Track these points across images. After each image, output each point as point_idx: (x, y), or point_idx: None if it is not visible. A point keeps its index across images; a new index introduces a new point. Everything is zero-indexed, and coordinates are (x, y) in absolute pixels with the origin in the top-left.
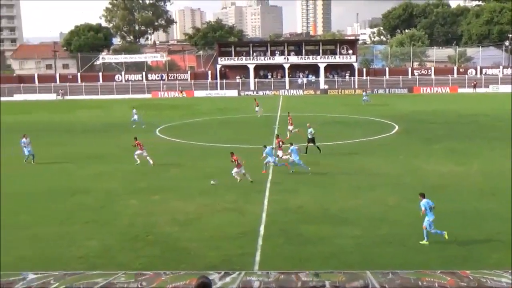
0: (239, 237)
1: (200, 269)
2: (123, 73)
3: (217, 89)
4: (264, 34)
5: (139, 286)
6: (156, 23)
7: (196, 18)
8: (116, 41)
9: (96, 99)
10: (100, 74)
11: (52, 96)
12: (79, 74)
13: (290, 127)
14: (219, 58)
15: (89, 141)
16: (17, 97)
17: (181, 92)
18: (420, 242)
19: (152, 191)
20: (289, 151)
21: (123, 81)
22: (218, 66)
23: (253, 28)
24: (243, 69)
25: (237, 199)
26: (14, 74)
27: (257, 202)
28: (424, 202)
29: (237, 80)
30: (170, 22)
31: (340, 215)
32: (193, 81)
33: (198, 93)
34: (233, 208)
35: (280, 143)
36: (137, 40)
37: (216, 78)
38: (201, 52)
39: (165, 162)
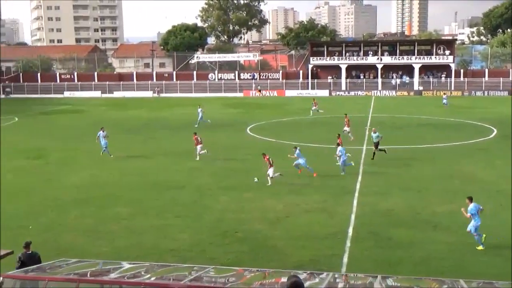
0: (327, 238)
1: (288, 268)
2: (216, 72)
3: (308, 89)
4: (357, 34)
5: (226, 281)
6: (249, 23)
7: (289, 17)
8: (211, 40)
9: (190, 97)
10: (195, 72)
11: (148, 94)
12: (174, 72)
13: (346, 128)
14: (311, 58)
15: (182, 138)
16: (117, 94)
17: (259, 91)
18: (477, 248)
19: (242, 188)
20: (338, 152)
21: (216, 79)
22: (310, 66)
23: (346, 28)
24: (335, 69)
25: (326, 199)
26: (115, 72)
27: (346, 203)
28: (472, 206)
29: (329, 80)
30: (263, 22)
31: (432, 220)
32: (284, 80)
33: (289, 93)
34: (322, 208)
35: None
36: (231, 39)
37: (308, 78)
38: (293, 52)
39: (255, 160)
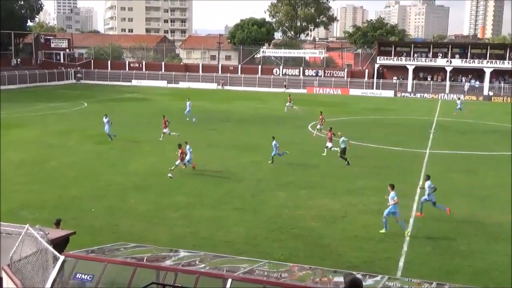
0: (383, 241)
1: (341, 268)
2: (281, 67)
3: (373, 88)
4: (426, 34)
5: (279, 276)
6: (317, 20)
7: (357, 16)
8: (278, 35)
9: (254, 91)
10: (260, 67)
11: (213, 86)
12: (239, 66)
13: (318, 126)
14: (377, 57)
15: (244, 131)
16: (182, 84)
17: (285, 86)
18: (380, 231)
19: (299, 185)
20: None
21: (281, 75)
22: (376, 65)
23: (415, 28)
24: (402, 69)
25: (383, 201)
26: (181, 63)
27: (405, 206)
28: (392, 194)
29: (394, 81)
30: (331, 19)
31: (494, 230)
32: (349, 79)
33: (353, 92)
34: (379, 210)
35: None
36: (298, 35)
37: (373, 77)
38: (359, 51)
39: (314, 158)
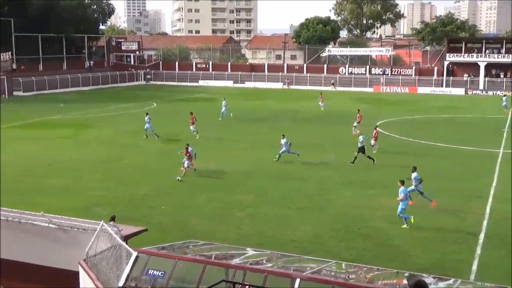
0: (455, 243)
1: (411, 269)
2: (347, 66)
3: (442, 86)
4: (499, 30)
5: (347, 277)
6: (384, 17)
7: (425, 12)
8: (343, 34)
9: (320, 90)
10: (325, 66)
11: (278, 85)
12: (305, 65)
13: (355, 124)
14: (447, 54)
15: (309, 130)
16: (248, 84)
17: (333, 85)
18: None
19: (366, 184)
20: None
21: (346, 73)
22: (446, 63)
23: (487, 24)
24: (473, 66)
25: (455, 202)
26: (247, 63)
27: (478, 208)
28: (402, 189)
29: (465, 78)
30: (398, 16)
31: None
32: (417, 77)
33: (422, 90)
34: (450, 212)
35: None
36: (364, 33)
37: (442, 75)
38: (428, 48)
39: (382, 157)
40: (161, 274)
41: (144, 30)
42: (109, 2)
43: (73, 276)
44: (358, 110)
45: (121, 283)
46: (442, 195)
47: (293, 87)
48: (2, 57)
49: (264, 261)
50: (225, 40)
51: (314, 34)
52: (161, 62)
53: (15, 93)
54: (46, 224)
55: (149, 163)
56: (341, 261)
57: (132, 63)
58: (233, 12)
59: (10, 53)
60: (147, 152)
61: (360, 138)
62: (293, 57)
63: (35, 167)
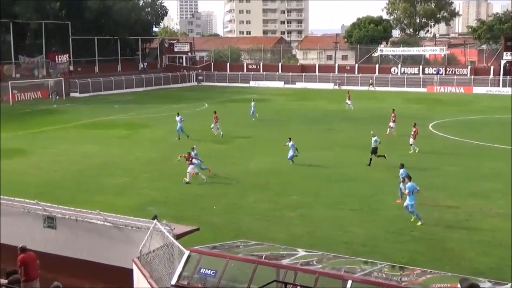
0: None
1: (465, 273)
2: (399, 65)
3: (498, 86)
4: None
5: (400, 280)
6: (438, 16)
7: (481, 10)
8: (396, 33)
9: (371, 91)
10: (377, 66)
11: (329, 86)
12: (356, 65)
13: (391, 124)
14: (504, 53)
15: (361, 130)
16: (299, 85)
17: (371, 84)
18: (417, 224)
19: (420, 186)
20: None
21: (399, 73)
22: (503, 62)
23: None
24: None
25: None
26: (298, 64)
27: None
28: (409, 184)
29: None
30: (453, 14)
31: None
32: (472, 76)
33: (477, 90)
34: (507, 214)
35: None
36: (417, 32)
37: (499, 75)
38: (484, 46)
39: (435, 158)
40: (213, 273)
41: (196, 31)
42: (162, 4)
43: (127, 273)
44: (393, 109)
45: (173, 281)
46: (497, 197)
47: (344, 87)
48: (60, 59)
49: (315, 262)
50: (276, 40)
51: (366, 34)
52: (212, 63)
53: (71, 94)
54: (102, 222)
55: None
56: (394, 263)
57: (184, 64)
58: (284, 13)
59: (67, 55)
60: (199, 152)
61: (375, 138)
62: (344, 57)
63: (90, 166)
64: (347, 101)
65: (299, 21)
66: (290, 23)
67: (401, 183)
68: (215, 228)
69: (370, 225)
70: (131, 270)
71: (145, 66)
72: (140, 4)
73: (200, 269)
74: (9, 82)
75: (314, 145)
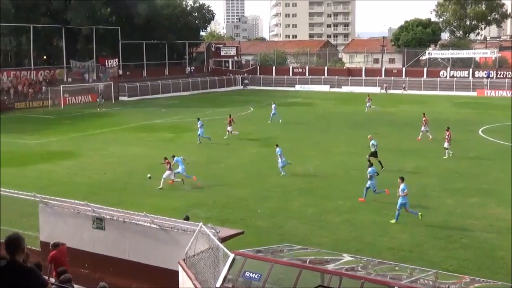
0: None
1: None
2: (448, 69)
3: None
4: None
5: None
6: (489, 18)
7: None
8: (445, 36)
9: (419, 94)
10: (425, 69)
11: (376, 89)
12: (404, 68)
13: (423, 128)
14: None
15: (408, 135)
16: (345, 88)
17: (404, 88)
18: (391, 221)
19: (469, 192)
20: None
21: (448, 77)
22: None
23: None
24: None
25: None
26: (344, 67)
27: None
28: (402, 186)
29: None
30: (504, 16)
31: None
32: None
33: None
34: None
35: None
36: (467, 35)
37: None
38: None
39: (486, 164)
40: (257, 276)
41: (243, 35)
42: (209, 9)
43: (173, 275)
44: (424, 113)
45: (218, 284)
46: None
47: (391, 91)
48: (109, 63)
49: (360, 268)
50: (322, 44)
51: (413, 37)
52: (258, 67)
53: (120, 98)
54: (148, 224)
55: (246, 166)
56: (441, 271)
57: (231, 68)
58: (330, 16)
59: (116, 59)
60: (244, 156)
61: (372, 142)
62: (392, 61)
63: (138, 169)
64: (368, 103)
65: (346, 25)
66: (337, 26)
67: (369, 181)
68: (259, 231)
69: (417, 231)
70: (177, 272)
71: (192, 70)
72: (188, 9)
73: (245, 272)
74: (61, 86)
75: (359, 149)
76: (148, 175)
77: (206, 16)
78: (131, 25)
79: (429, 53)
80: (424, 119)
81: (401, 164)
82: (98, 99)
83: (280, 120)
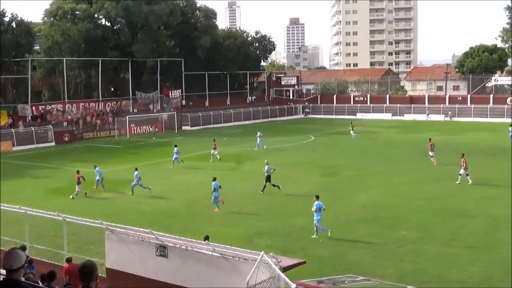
0: None
1: None
2: None
3: None
4: None
5: None
6: None
7: None
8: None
9: (485, 122)
10: (491, 96)
11: (440, 117)
12: (469, 96)
13: (430, 153)
14: None
15: (475, 164)
16: (407, 116)
17: (450, 116)
18: (312, 236)
19: None
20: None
21: None
22: None
23: None
24: None
25: None
26: (406, 95)
27: None
28: (316, 203)
29: None
30: None
31: None
32: None
33: None
34: None
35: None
36: None
37: None
38: None
39: None
40: None
41: (303, 65)
42: (270, 39)
43: None
44: (430, 139)
45: None
46: None
47: (456, 119)
48: (173, 94)
49: None
50: (384, 72)
51: (479, 63)
52: (319, 96)
53: (183, 127)
54: (210, 253)
55: (307, 195)
56: None
57: (291, 97)
58: (391, 44)
59: (180, 90)
60: (305, 184)
61: (266, 167)
62: (456, 88)
63: (201, 197)
64: (351, 131)
65: (408, 52)
66: (398, 54)
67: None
68: (321, 261)
69: (486, 264)
70: None
71: (253, 100)
72: (249, 40)
73: None
74: (127, 117)
75: (423, 179)
76: (71, 196)
77: (267, 46)
78: (194, 56)
79: (495, 79)
80: (430, 143)
81: (469, 193)
82: (151, 128)
83: (265, 147)
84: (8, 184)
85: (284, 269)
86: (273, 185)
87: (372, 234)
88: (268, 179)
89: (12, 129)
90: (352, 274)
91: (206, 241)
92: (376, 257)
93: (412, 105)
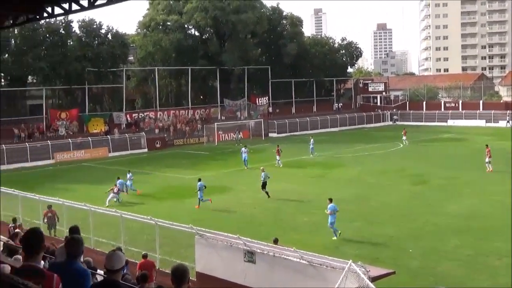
0: None
1: None
2: None
3: None
4: None
5: None
6: None
7: None
8: None
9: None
10: None
11: None
12: None
13: (487, 159)
14: None
15: None
16: (502, 123)
17: (508, 122)
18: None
19: None
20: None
21: None
22: None
23: None
24: None
25: None
26: (501, 101)
27: None
28: (330, 205)
29: None
30: None
31: None
32: None
33: None
34: None
35: None
36: None
37: None
38: None
39: None
40: None
41: (391, 71)
42: (357, 46)
43: None
44: (487, 145)
45: None
46: None
47: None
48: (260, 101)
49: None
50: (477, 77)
51: None
52: (407, 102)
53: (270, 134)
54: (298, 260)
55: (396, 204)
56: None
57: (379, 104)
58: (485, 48)
59: (267, 97)
60: (394, 193)
61: (262, 174)
62: None
63: (287, 204)
64: (404, 137)
65: (502, 56)
66: (492, 58)
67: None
68: (411, 272)
69: None
70: None
71: (340, 106)
72: (336, 47)
73: None
74: (215, 124)
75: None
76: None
77: (354, 53)
78: (281, 64)
79: None
80: (487, 150)
81: None
82: (235, 135)
83: (316, 154)
84: (103, 189)
85: (373, 279)
86: (266, 192)
87: (464, 245)
88: (263, 185)
89: (108, 136)
90: (444, 286)
91: (275, 244)
92: (470, 269)
93: (508, 111)
